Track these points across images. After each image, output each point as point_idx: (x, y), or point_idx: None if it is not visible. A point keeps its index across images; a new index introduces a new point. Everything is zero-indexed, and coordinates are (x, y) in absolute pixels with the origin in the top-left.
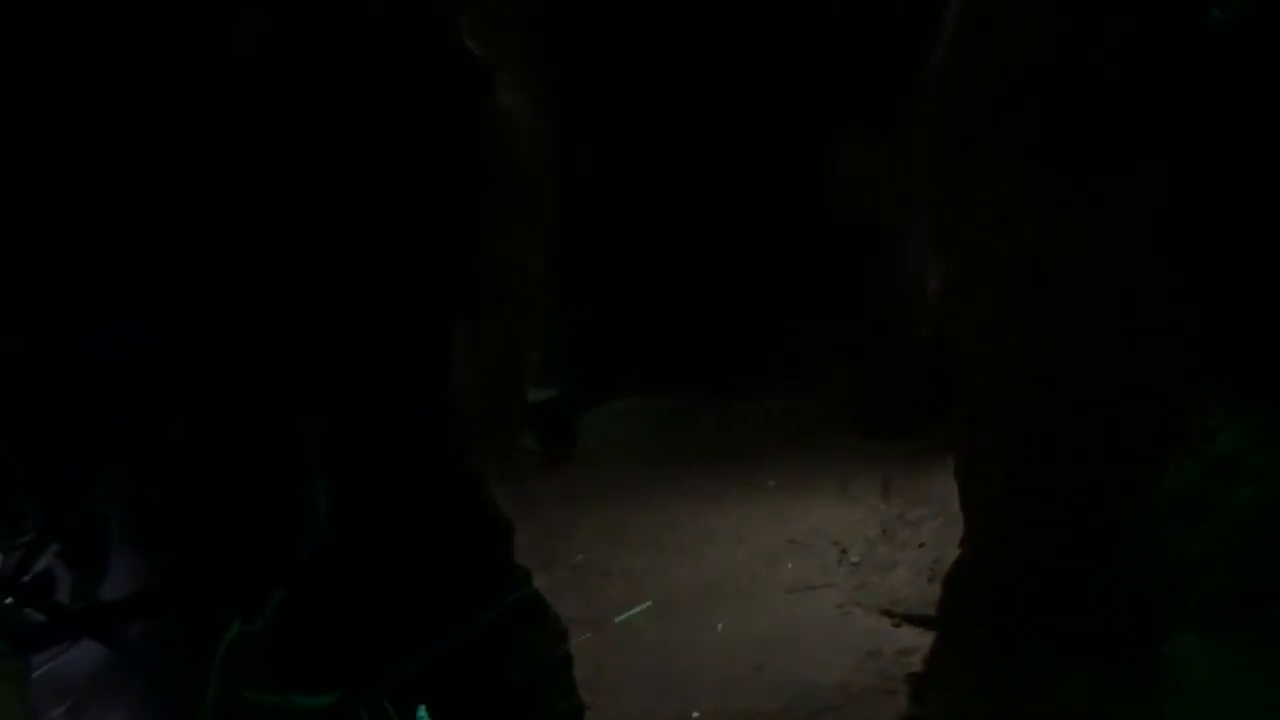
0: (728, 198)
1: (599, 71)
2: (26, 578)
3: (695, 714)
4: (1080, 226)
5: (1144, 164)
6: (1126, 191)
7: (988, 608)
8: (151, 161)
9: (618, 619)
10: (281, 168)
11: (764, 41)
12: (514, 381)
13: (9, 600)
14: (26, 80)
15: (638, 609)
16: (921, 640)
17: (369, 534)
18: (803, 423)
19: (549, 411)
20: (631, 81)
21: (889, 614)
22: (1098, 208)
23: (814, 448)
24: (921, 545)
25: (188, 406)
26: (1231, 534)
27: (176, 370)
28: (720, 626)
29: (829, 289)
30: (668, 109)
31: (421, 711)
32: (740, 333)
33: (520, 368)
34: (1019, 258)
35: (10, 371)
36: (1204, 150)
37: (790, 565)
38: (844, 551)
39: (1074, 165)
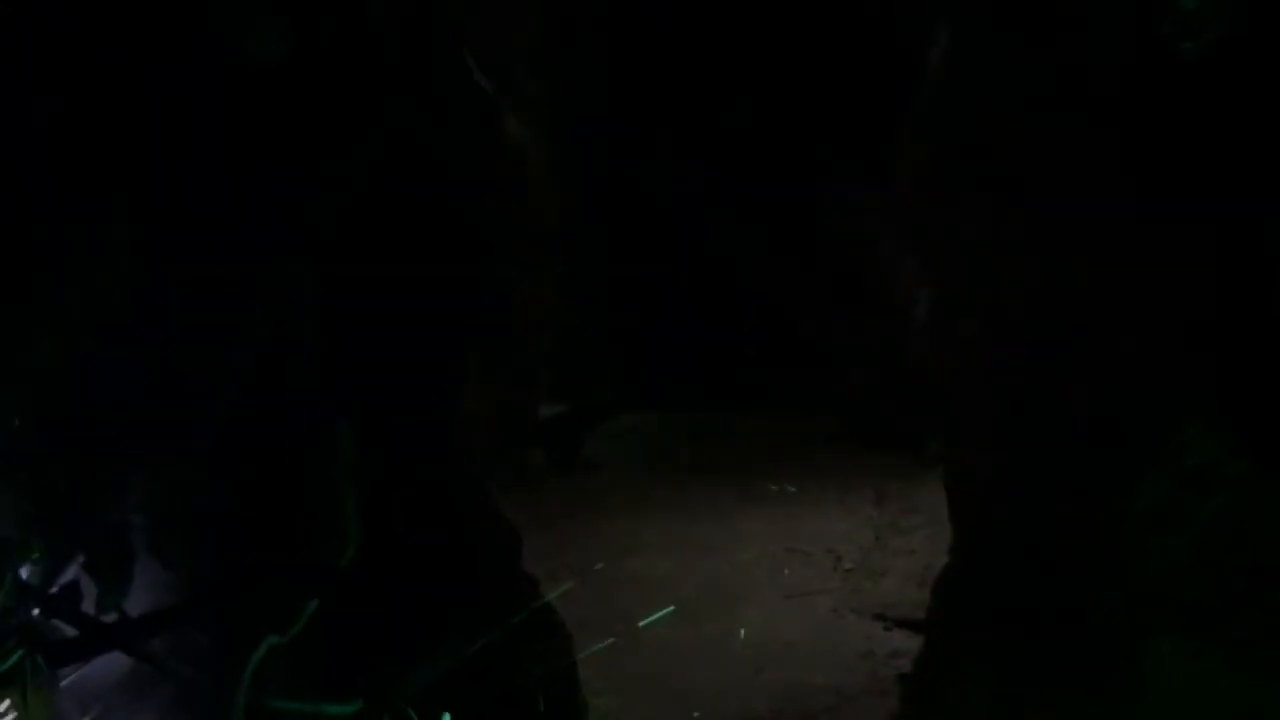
0: (732, 229)
1: (602, 103)
2: (54, 589)
3: (695, 714)
4: (1051, 262)
5: (1111, 200)
6: (1094, 227)
7: (972, 613)
8: (177, 169)
9: (642, 624)
10: (301, 174)
11: (763, 79)
12: (526, 397)
13: (36, 611)
14: (50, 90)
15: (660, 614)
16: (912, 644)
17: (386, 543)
18: (802, 437)
19: (558, 426)
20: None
21: (881, 618)
22: (1067, 243)
23: (813, 460)
24: (912, 552)
25: (215, 418)
26: (1204, 543)
27: (203, 381)
28: (721, 630)
29: (826, 315)
30: (670, 142)
31: (445, 718)
32: (743, 353)
33: (532, 384)
34: (994, 290)
35: (38, 383)
36: (1171, 180)
37: (788, 571)
38: (839, 558)
39: (1043, 203)
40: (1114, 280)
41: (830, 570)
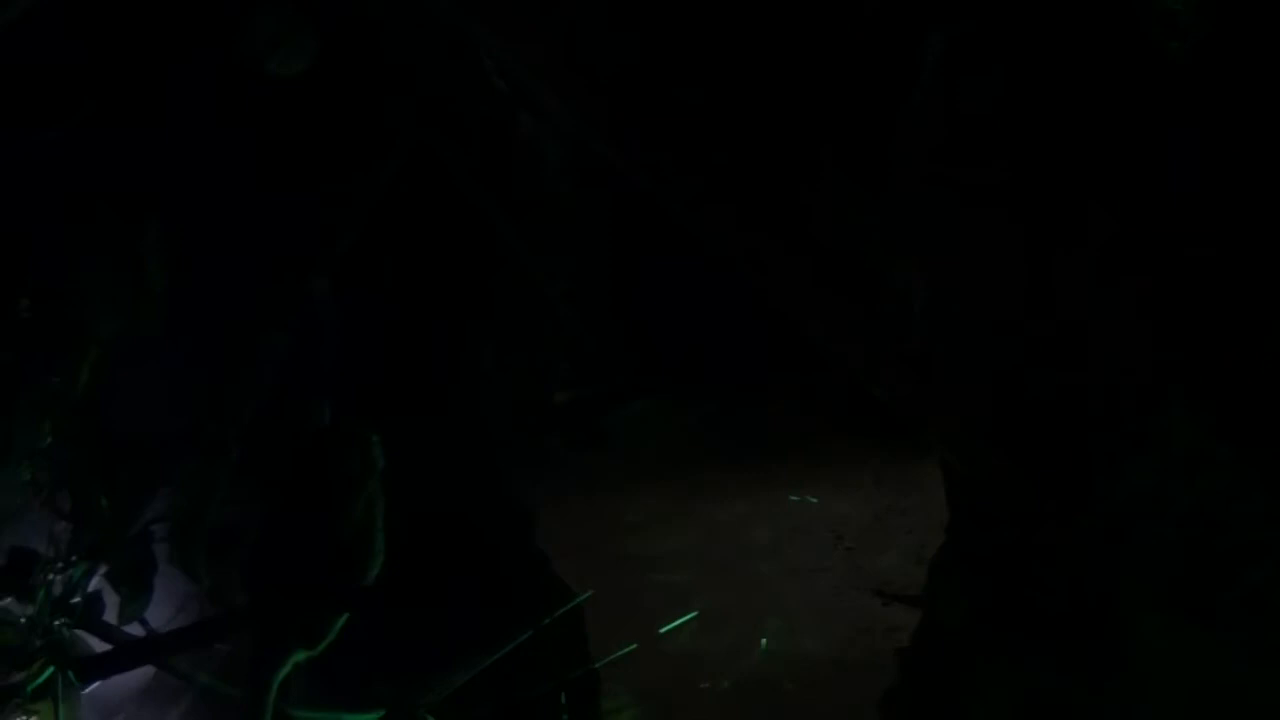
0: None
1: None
2: (76, 599)
3: (703, 684)
4: (1038, 259)
5: (1097, 200)
6: (1081, 226)
7: (968, 589)
8: (200, 184)
9: (662, 630)
10: (321, 186)
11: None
12: (541, 385)
13: (60, 622)
14: (82, 108)
15: (684, 618)
16: (909, 618)
17: (409, 540)
18: (805, 423)
19: (573, 413)
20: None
21: (880, 593)
22: (1053, 243)
23: (815, 446)
24: (910, 531)
25: (239, 430)
26: (1188, 523)
27: (229, 397)
28: (724, 605)
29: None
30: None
31: None
32: (748, 346)
33: (548, 373)
34: (985, 285)
35: (70, 402)
36: (1155, 179)
37: (791, 549)
38: (840, 537)
39: (1031, 205)
40: (1099, 276)
41: (831, 548)
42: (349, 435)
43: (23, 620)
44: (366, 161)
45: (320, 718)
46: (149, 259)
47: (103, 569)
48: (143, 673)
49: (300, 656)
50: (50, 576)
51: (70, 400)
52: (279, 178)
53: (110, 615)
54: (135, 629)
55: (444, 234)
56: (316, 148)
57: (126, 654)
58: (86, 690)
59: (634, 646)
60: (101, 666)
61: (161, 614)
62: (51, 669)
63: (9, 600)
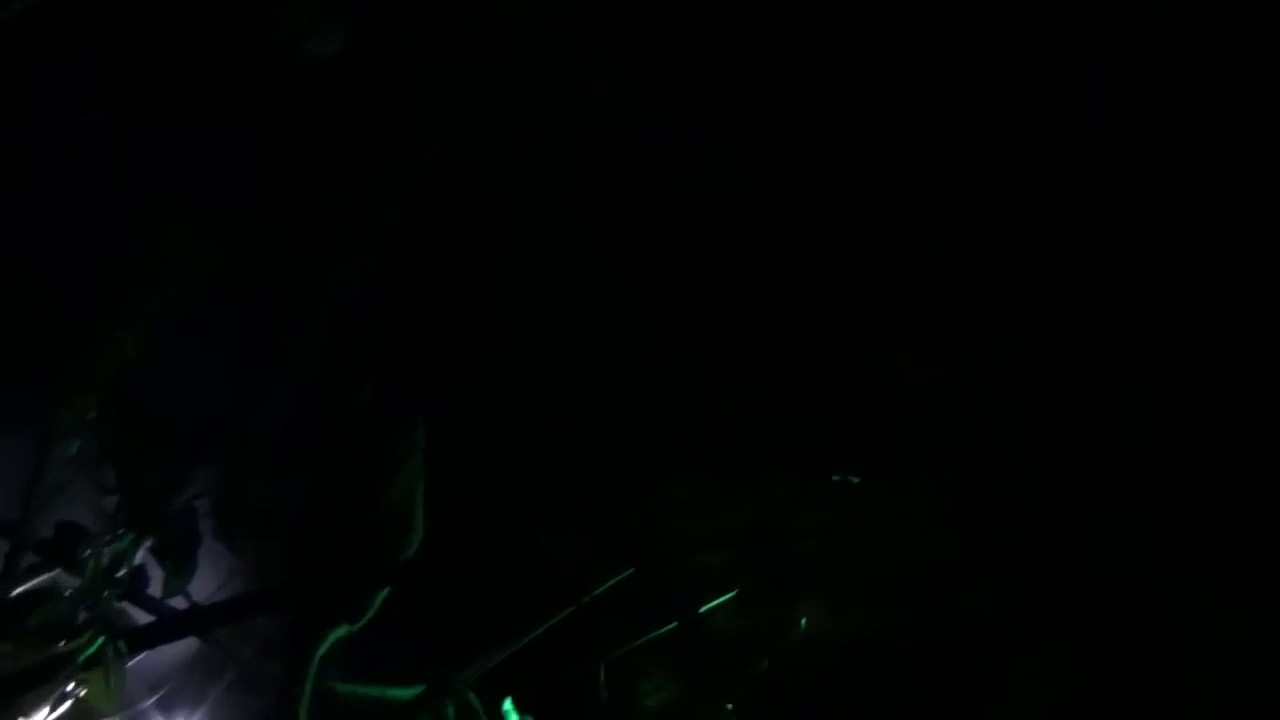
0: None
1: None
2: (121, 572)
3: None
4: None
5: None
6: None
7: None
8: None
9: (701, 609)
10: (358, 175)
11: None
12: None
13: (106, 594)
14: (120, 92)
15: (723, 598)
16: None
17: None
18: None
19: None
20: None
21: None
22: None
23: None
24: None
25: (282, 410)
26: None
27: (270, 374)
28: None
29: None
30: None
31: (507, 704)
32: None
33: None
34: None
35: (117, 378)
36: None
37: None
38: None
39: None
40: None
41: None
42: (391, 414)
43: (68, 593)
44: (408, 143)
45: (361, 691)
46: (195, 234)
47: (148, 543)
48: (186, 646)
49: (342, 632)
50: (97, 550)
51: (116, 375)
52: (321, 158)
53: (154, 589)
54: (178, 603)
55: (483, 218)
56: (356, 129)
57: (176, 625)
58: (132, 662)
59: (674, 625)
60: (151, 637)
61: (205, 589)
62: (103, 639)
63: (55, 573)
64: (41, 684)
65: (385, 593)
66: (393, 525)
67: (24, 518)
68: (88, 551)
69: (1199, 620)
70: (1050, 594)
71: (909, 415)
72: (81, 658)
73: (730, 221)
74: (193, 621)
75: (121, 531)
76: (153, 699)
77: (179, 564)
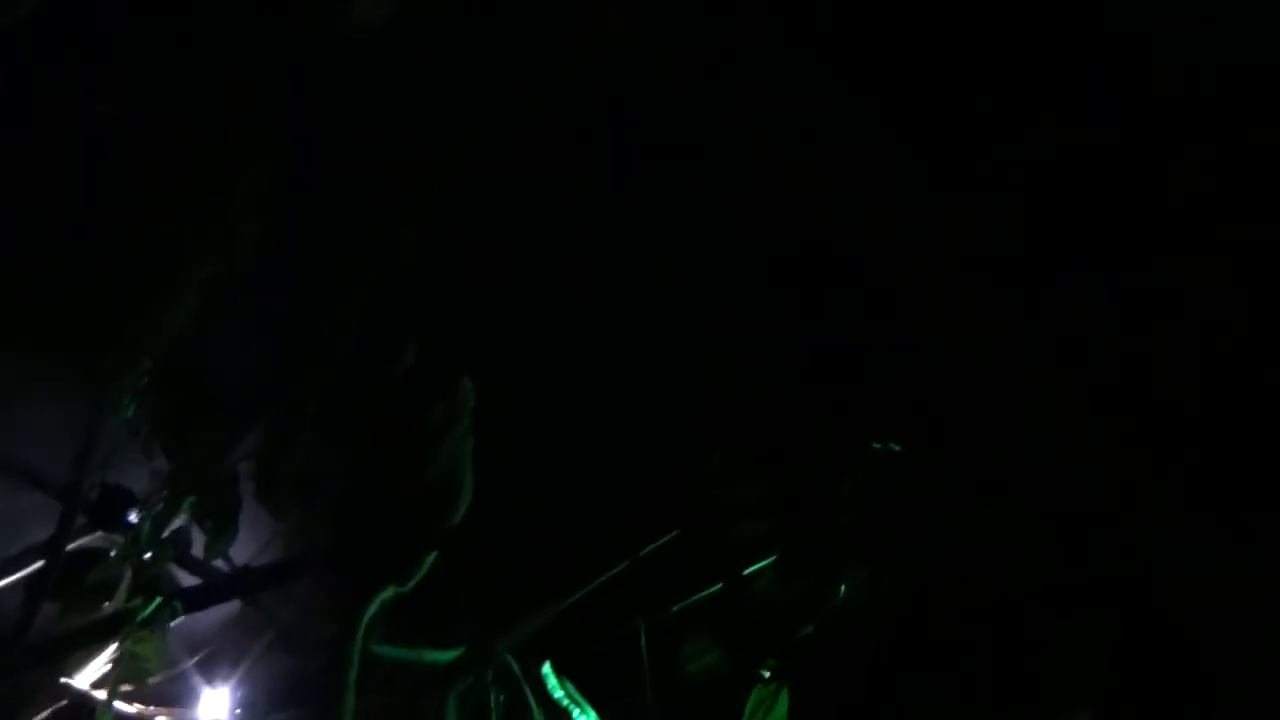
0: None
1: None
2: (165, 534)
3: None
4: None
5: None
6: None
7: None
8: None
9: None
10: (404, 143)
11: None
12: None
13: (160, 555)
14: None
15: (765, 561)
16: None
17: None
18: None
19: None
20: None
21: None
22: None
23: None
24: None
25: (326, 374)
26: None
27: (314, 338)
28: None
29: None
30: None
31: (546, 667)
32: None
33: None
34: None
35: (166, 344)
36: None
37: None
38: None
39: None
40: None
41: None
42: (439, 375)
43: (113, 554)
44: (455, 109)
45: (400, 653)
46: (247, 200)
47: (190, 507)
48: (225, 607)
49: (389, 594)
50: (150, 512)
51: (170, 341)
52: (367, 124)
53: (195, 552)
54: (220, 566)
55: (533, 183)
56: (405, 94)
57: (227, 586)
58: (173, 624)
59: (719, 586)
60: (204, 598)
61: (244, 552)
62: (159, 599)
63: (108, 536)
64: (98, 643)
65: (434, 556)
66: (442, 488)
67: (77, 481)
68: (133, 515)
69: (1244, 595)
70: (1096, 565)
71: (954, 382)
72: (139, 617)
73: (773, 189)
74: (243, 583)
75: (167, 494)
76: (192, 660)
77: (220, 527)
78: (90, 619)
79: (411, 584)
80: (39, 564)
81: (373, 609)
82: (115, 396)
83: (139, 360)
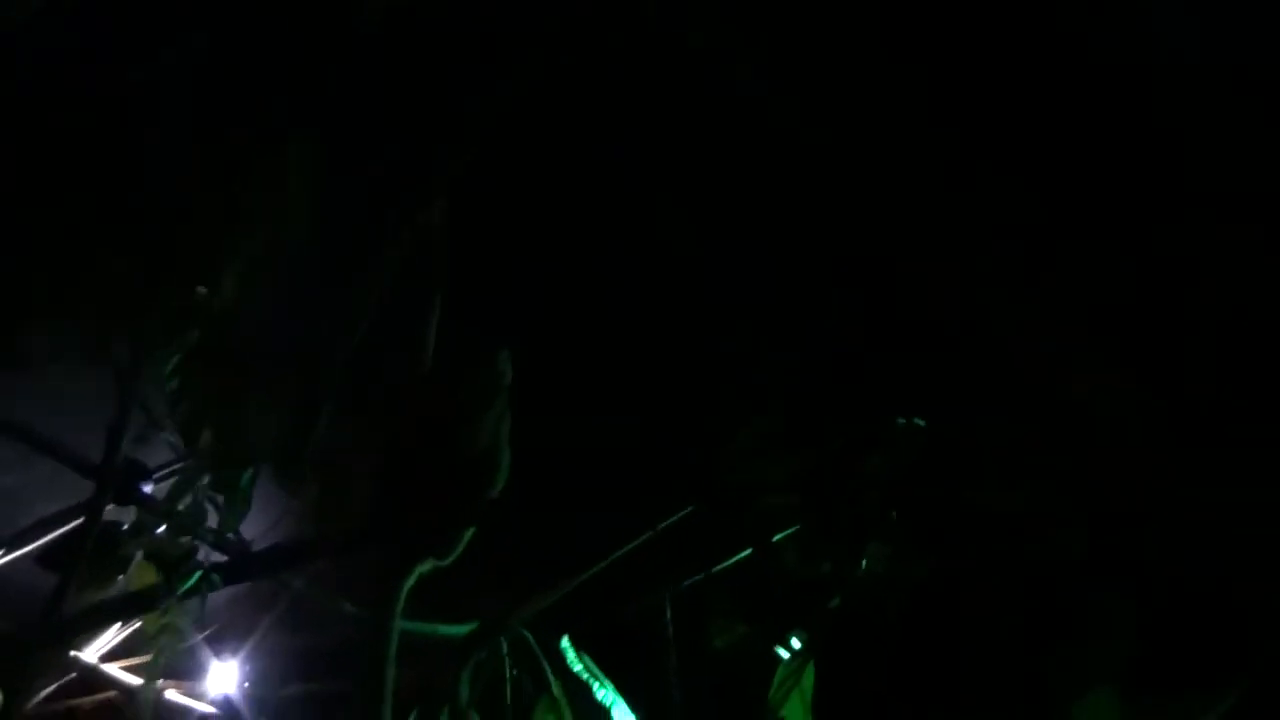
0: None
1: None
2: (180, 507)
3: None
4: None
5: None
6: None
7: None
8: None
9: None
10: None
11: None
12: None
13: (162, 530)
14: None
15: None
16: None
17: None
18: None
19: None
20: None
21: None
22: None
23: None
24: None
25: (349, 350)
26: None
27: (340, 312)
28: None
29: None
30: None
31: (564, 641)
32: None
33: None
34: None
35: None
36: None
37: None
38: None
39: None
40: None
41: None
42: (475, 351)
43: (127, 527)
44: (488, 84)
45: (416, 627)
46: (290, 177)
47: (205, 481)
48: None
49: (427, 568)
50: (184, 486)
51: (211, 317)
52: (399, 98)
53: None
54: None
55: (564, 156)
56: (434, 68)
57: (260, 562)
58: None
59: (747, 552)
60: (240, 572)
61: (254, 528)
62: (199, 573)
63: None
64: (137, 615)
65: (472, 531)
66: (481, 461)
67: (108, 457)
68: (151, 489)
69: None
70: (1122, 541)
71: (979, 356)
72: (181, 589)
73: (803, 164)
74: (276, 559)
75: (184, 468)
76: (201, 635)
77: (234, 502)
78: (110, 594)
79: (451, 558)
80: (50, 537)
81: (411, 581)
82: (155, 370)
83: (184, 333)
